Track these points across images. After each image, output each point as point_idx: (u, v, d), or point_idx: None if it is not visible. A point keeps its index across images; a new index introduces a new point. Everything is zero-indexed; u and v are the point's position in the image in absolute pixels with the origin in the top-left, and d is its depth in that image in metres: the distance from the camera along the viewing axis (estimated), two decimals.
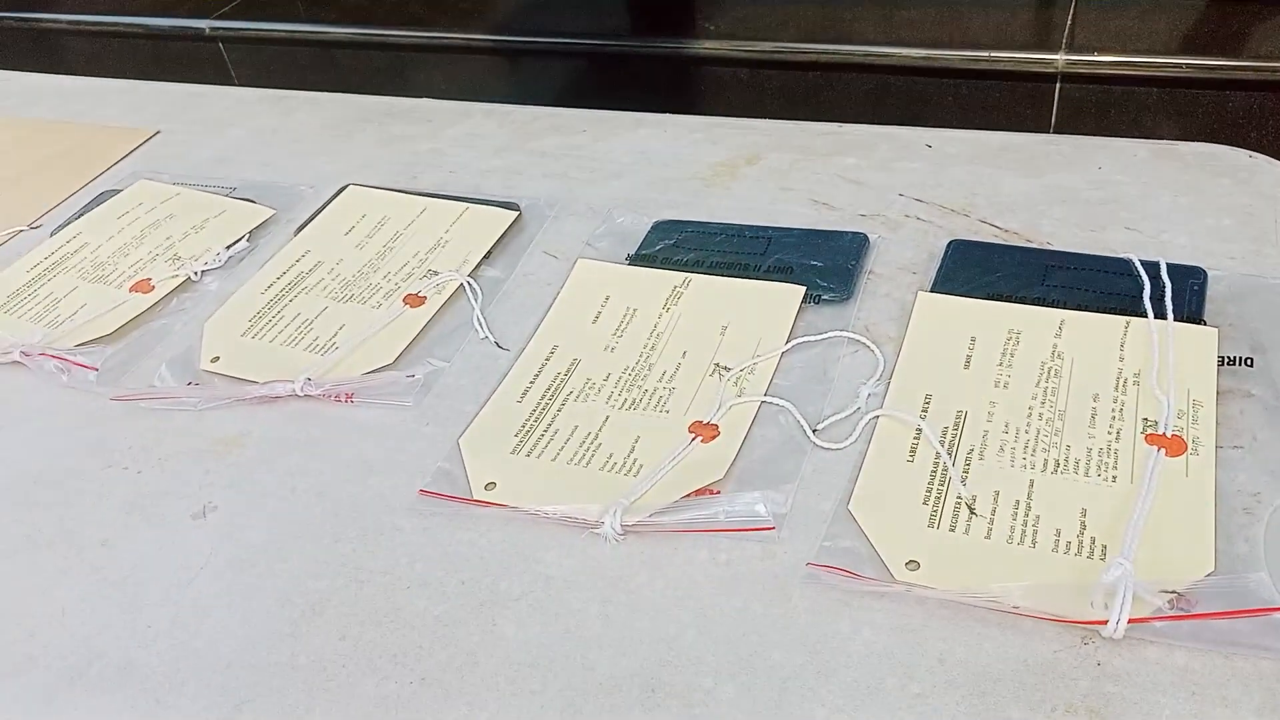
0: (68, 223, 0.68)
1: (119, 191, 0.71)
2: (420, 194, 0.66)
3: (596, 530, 0.42)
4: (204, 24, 1.94)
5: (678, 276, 0.55)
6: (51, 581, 0.44)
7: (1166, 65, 1.30)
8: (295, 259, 0.62)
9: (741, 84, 1.59)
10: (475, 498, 0.45)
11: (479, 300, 0.56)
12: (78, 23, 2.10)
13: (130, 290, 0.61)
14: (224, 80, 2.04)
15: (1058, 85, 1.36)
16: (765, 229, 0.57)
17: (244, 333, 0.56)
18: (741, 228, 0.58)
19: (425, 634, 0.40)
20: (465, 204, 0.64)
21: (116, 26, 2.03)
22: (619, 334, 0.53)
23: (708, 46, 1.57)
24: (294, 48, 1.91)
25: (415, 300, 0.57)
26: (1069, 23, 1.42)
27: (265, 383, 0.52)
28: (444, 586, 0.42)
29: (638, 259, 0.57)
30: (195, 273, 0.62)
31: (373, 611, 0.41)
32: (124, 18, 2.00)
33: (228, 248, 0.63)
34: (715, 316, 0.52)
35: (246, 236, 0.64)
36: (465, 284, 0.57)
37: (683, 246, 0.57)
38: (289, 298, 0.58)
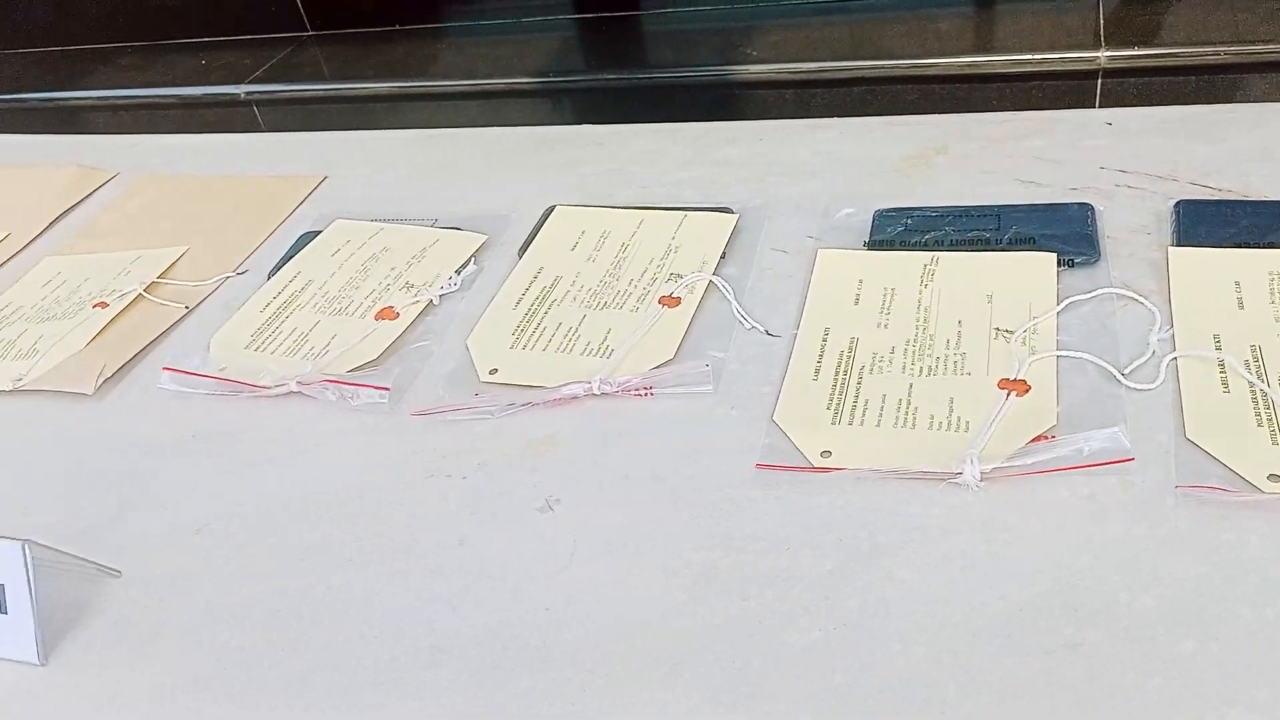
0: (280, 265, 0.70)
1: (318, 232, 0.73)
2: (628, 208, 0.69)
3: (955, 480, 0.45)
4: (239, 89, 1.97)
5: (925, 255, 0.59)
6: (426, 581, 0.46)
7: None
8: (532, 275, 0.64)
9: (787, 103, 1.64)
10: (815, 465, 0.48)
11: (733, 295, 0.59)
12: (107, 98, 2.12)
13: (376, 318, 0.63)
14: None
15: (1099, 82, 1.43)
16: (989, 208, 0.61)
17: (511, 345, 0.59)
18: (966, 208, 0.62)
19: (825, 588, 0.42)
20: (681, 212, 0.67)
21: (150, 99, 2.05)
22: (885, 312, 0.56)
23: (752, 71, 1.63)
24: (329, 105, 1.94)
25: (671, 301, 0.60)
26: (1100, 20, 1.50)
27: (558, 386, 0.55)
28: (821, 545, 0.44)
29: (875, 244, 0.61)
30: (436, 297, 0.64)
31: (762, 572, 0.43)
32: (158, 90, 2.02)
33: (458, 272, 0.66)
34: (976, 287, 0.56)
35: (473, 260, 0.67)
36: (716, 282, 0.60)
37: (914, 230, 0.61)
38: (543, 310, 0.61)
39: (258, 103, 2.01)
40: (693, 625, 0.42)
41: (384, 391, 0.56)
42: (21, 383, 0.63)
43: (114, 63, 2.29)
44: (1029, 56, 1.42)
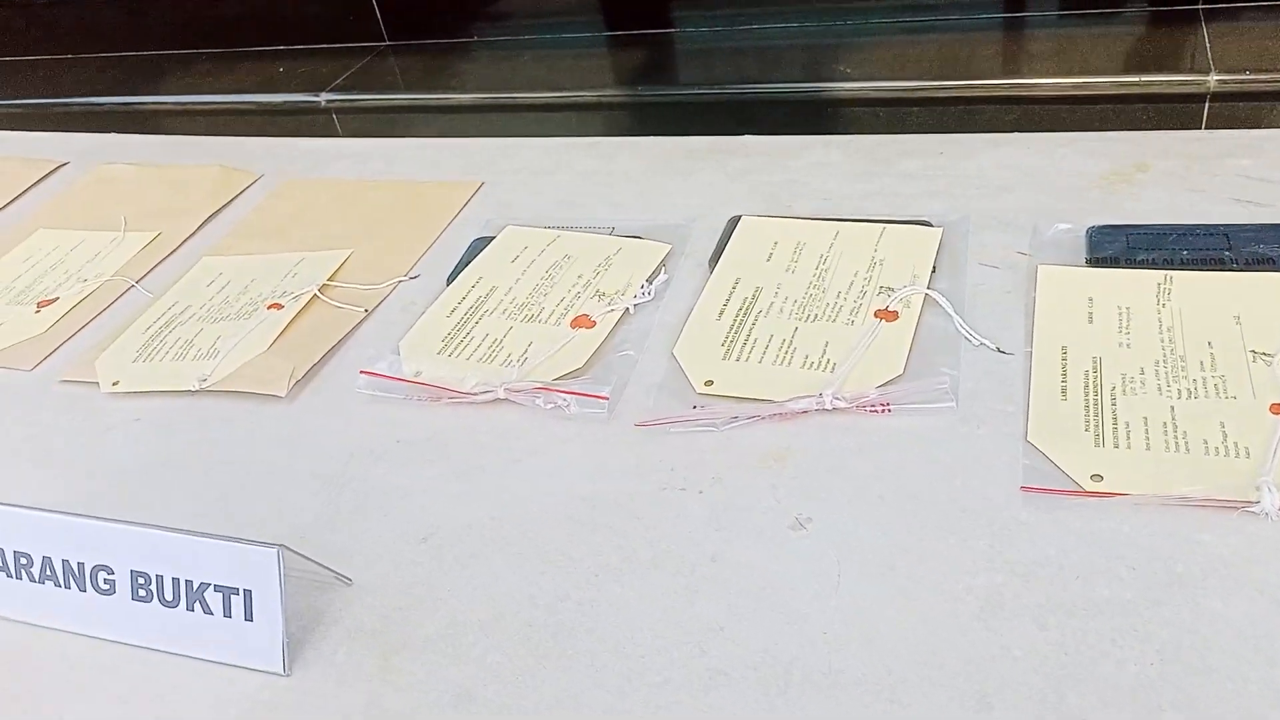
0: (458, 270, 0.69)
1: (489, 238, 0.72)
2: (820, 219, 0.68)
3: (1250, 509, 0.43)
4: (319, 97, 1.97)
5: (1157, 274, 0.57)
6: (684, 599, 0.44)
7: None
8: (730, 286, 0.63)
9: (880, 121, 1.63)
10: (1086, 489, 0.46)
11: (952, 310, 0.58)
12: (184, 103, 2.13)
13: (572, 326, 0.62)
14: None
15: (1206, 105, 1.41)
16: (1214, 227, 0.59)
17: (723, 356, 0.57)
18: (1189, 227, 0.60)
19: (1130, 618, 0.40)
20: (879, 225, 0.66)
21: (228, 105, 2.06)
22: (1124, 331, 0.54)
23: (846, 89, 1.62)
24: (409, 114, 1.94)
25: (888, 315, 0.58)
26: (1207, 43, 1.48)
27: (789, 400, 0.53)
28: (1115, 573, 0.42)
29: (1097, 261, 0.59)
30: (631, 306, 0.63)
31: (1056, 600, 0.41)
32: (235, 96, 2.03)
33: (649, 281, 0.65)
34: (1220, 308, 0.54)
35: (663, 270, 0.66)
36: (934, 297, 0.59)
37: (1137, 248, 0.59)
38: (749, 321, 0.59)
39: (337, 110, 2.01)
40: (992, 654, 0.40)
41: (603, 401, 0.55)
42: (208, 383, 0.62)
43: (189, 69, 2.30)
44: (1139, 79, 1.41)
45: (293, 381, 0.61)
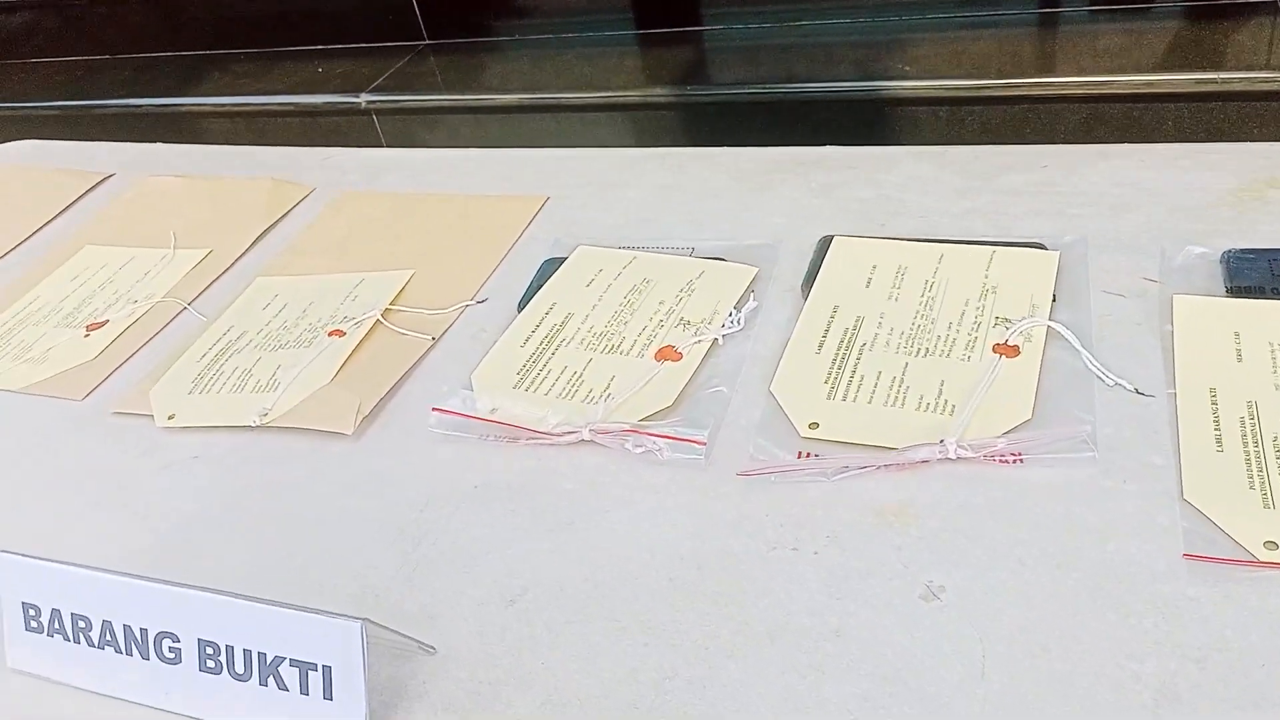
0: (529, 295, 0.65)
1: (561, 259, 0.68)
2: (920, 240, 0.63)
3: None
4: (359, 99, 1.94)
5: None
6: (811, 681, 0.39)
7: None
8: (829, 314, 0.58)
9: (940, 121, 1.58)
10: (1263, 559, 0.41)
11: (1079, 345, 0.53)
12: (223, 105, 2.11)
13: (656, 359, 0.58)
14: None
15: None
16: None
17: (827, 395, 0.53)
18: None
19: None
20: (988, 247, 0.61)
21: (267, 107, 2.04)
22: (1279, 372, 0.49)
23: (906, 87, 1.56)
24: (450, 115, 1.91)
25: (1008, 350, 0.53)
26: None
27: (907, 448, 0.49)
28: None
29: (1238, 291, 0.54)
30: (720, 336, 0.59)
31: (1242, 693, 0.36)
32: (275, 98, 2.01)
33: (737, 308, 0.61)
34: None
35: (751, 296, 0.62)
36: (1057, 330, 0.54)
37: None
38: (852, 355, 0.54)
39: (378, 112, 1.99)
40: None
41: (700, 446, 0.51)
42: (269, 418, 0.59)
43: (227, 70, 2.29)
44: (1218, 75, 1.34)
45: (359, 418, 0.57)
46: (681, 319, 0.60)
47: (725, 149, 0.78)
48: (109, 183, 0.91)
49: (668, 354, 0.58)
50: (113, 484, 0.57)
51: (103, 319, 0.72)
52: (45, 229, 0.86)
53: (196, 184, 0.87)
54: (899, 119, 1.60)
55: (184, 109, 2.16)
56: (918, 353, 0.54)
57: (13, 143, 1.03)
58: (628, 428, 0.52)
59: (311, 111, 2.03)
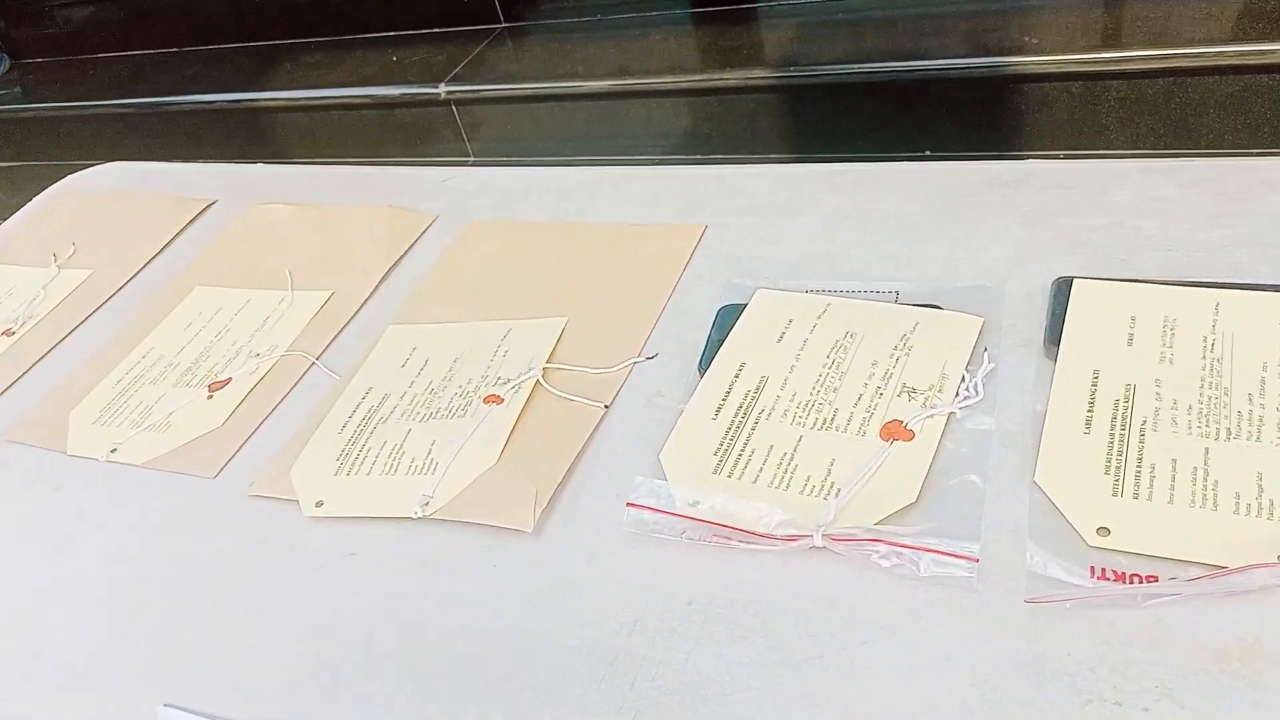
0: (711, 353, 0.56)
1: (738, 306, 0.60)
2: (1182, 283, 0.54)
3: None
4: (439, 89, 1.87)
5: None
6: None
7: None
8: (1088, 381, 0.48)
9: (1075, 99, 1.45)
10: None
11: None
12: (298, 99, 2.06)
13: (883, 437, 0.50)
14: (458, 142, 1.98)
15: None
16: None
17: (1113, 490, 0.44)
18: None
19: None
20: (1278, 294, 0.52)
21: (342, 100, 1.97)
22: None
23: (1034, 61, 1.44)
24: (533, 104, 1.82)
25: None
26: None
27: (1242, 568, 0.40)
28: None
29: None
30: (956, 409, 0.51)
31: None
32: (351, 90, 1.94)
33: (969, 371, 0.52)
34: None
35: (985, 355, 0.53)
36: None
37: None
38: (1134, 435, 0.45)
39: (457, 102, 1.91)
40: None
41: (971, 564, 0.43)
42: (432, 508, 0.52)
43: (298, 60, 2.22)
44: None
45: (538, 510, 0.51)
46: (903, 385, 0.51)
47: (909, 163, 0.69)
48: (211, 211, 0.85)
49: (895, 431, 0.49)
50: (257, 583, 0.50)
51: (224, 376, 0.65)
52: (150, 265, 0.80)
53: (308, 214, 0.80)
54: (1025, 98, 1.48)
55: (257, 104, 2.10)
56: (1217, 434, 0.45)
57: (99, 166, 0.97)
58: (870, 534, 0.44)
59: (389, 103, 1.96)
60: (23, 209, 0.94)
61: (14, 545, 0.57)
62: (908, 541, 0.43)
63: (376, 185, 0.83)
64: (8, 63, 2.45)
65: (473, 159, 1.85)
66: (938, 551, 0.42)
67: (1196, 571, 0.40)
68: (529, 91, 1.75)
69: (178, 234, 0.82)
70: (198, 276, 0.76)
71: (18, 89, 2.40)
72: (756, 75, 1.57)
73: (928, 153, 1.55)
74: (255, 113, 2.04)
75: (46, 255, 0.84)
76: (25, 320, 0.76)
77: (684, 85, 1.60)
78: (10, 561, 0.56)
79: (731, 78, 1.58)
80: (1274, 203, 0.57)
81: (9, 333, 0.75)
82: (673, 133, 1.59)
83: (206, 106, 2.12)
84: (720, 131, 1.56)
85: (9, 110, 2.33)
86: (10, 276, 0.83)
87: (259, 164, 0.90)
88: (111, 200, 0.91)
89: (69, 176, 0.97)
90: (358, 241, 0.75)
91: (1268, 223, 0.56)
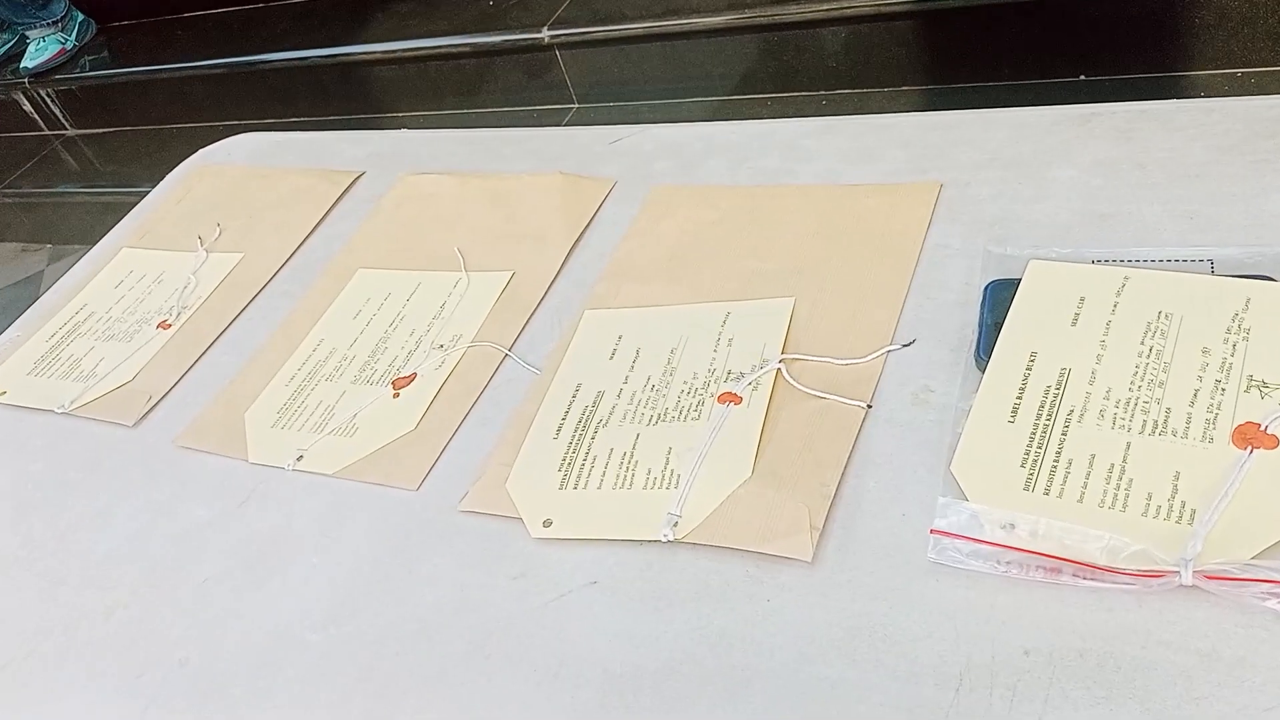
0: (988, 336, 0.47)
1: (1011, 281, 0.49)
2: None
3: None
4: (542, 34, 1.79)
5: None
6: None
7: None
8: None
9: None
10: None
11: None
12: (393, 52, 1.99)
13: (1237, 443, 0.41)
14: (561, 88, 1.90)
15: None
16: None
17: None
18: None
19: None
20: None
21: (441, 49, 1.91)
22: None
23: None
24: (644, 44, 1.72)
25: None
26: None
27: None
28: None
29: None
30: None
31: None
32: (449, 39, 1.87)
33: None
34: None
35: None
36: None
37: None
38: None
39: (560, 46, 1.82)
40: None
41: None
42: (682, 529, 0.44)
43: (389, 10, 2.16)
44: None
45: (816, 535, 0.44)
46: (1249, 378, 0.43)
47: (1177, 103, 0.59)
48: (361, 183, 0.79)
49: (1253, 436, 0.41)
50: (484, 618, 0.45)
51: (408, 371, 0.59)
52: (304, 246, 0.75)
53: (470, 183, 0.73)
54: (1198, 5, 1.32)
55: (351, 58, 2.04)
56: None
57: (234, 137, 0.92)
58: (1251, 570, 0.37)
59: (489, 51, 1.88)
60: (158, 187, 0.89)
61: (213, 562, 0.52)
62: None
63: (537, 149, 0.76)
64: (94, 27, 2.43)
65: (577, 105, 1.77)
66: None
67: None
68: (638, 31, 1.65)
69: (329, 210, 0.76)
70: (358, 258, 0.70)
71: (105, 53, 2.39)
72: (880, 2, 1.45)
73: (1082, 78, 1.42)
74: (349, 68, 1.99)
75: (191, 237, 0.79)
76: (180, 311, 0.71)
77: (802, 16, 1.48)
78: (218, 580, 0.51)
79: (857, 4, 1.46)
80: None
81: (165, 325, 0.71)
82: (799, 69, 1.48)
83: (299, 63, 2.07)
84: (847, 64, 1.44)
85: (101, 76, 2.33)
86: (157, 262, 0.78)
87: (403, 129, 0.85)
88: (252, 175, 0.85)
89: (202, 150, 0.91)
90: (532, 213, 0.68)
91: None
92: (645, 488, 0.47)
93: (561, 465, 0.49)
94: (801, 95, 1.49)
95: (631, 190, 0.68)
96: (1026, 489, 0.41)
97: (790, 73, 1.48)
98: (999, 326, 0.48)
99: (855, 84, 1.46)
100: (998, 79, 1.38)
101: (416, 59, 1.88)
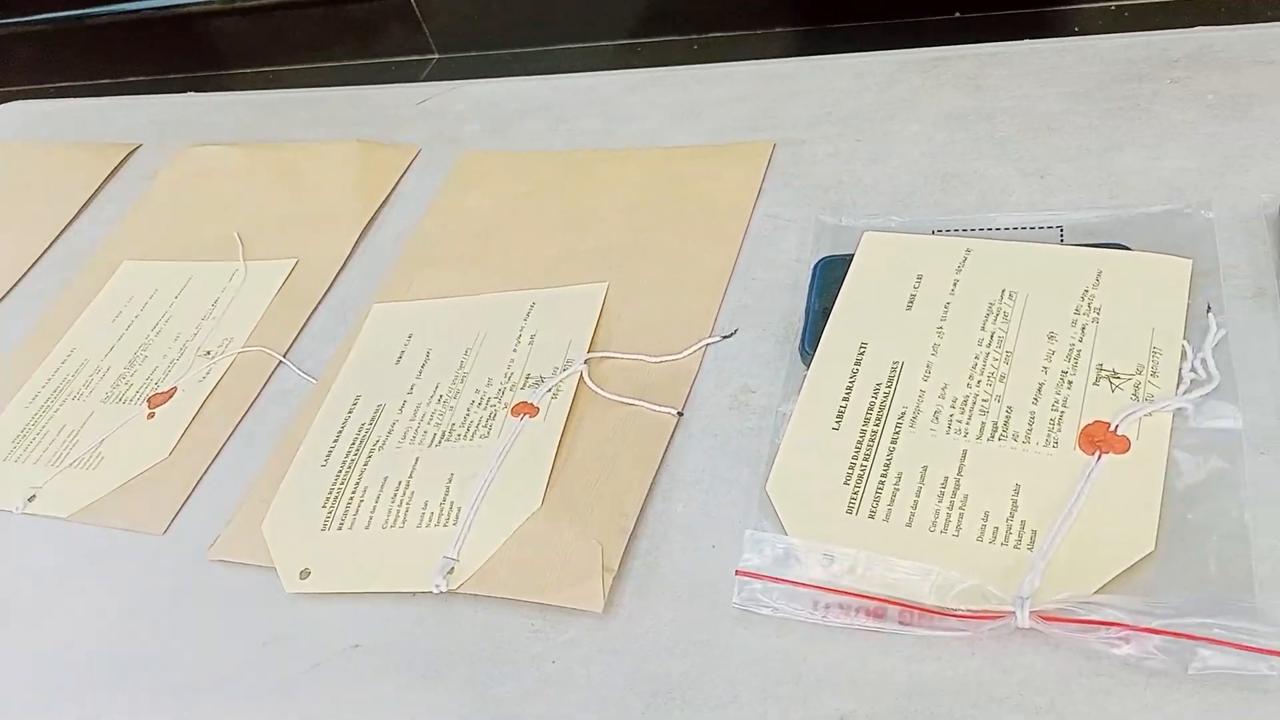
0: (814, 325, 0.40)
1: (843, 258, 0.43)
2: None
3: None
4: None
5: None
6: None
7: None
8: None
9: None
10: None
11: None
12: (231, 2, 1.81)
13: (1083, 448, 0.34)
14: (418, 37, 1.75)
15: None
16: None
17: None
18: None
19: None
20: None
21: None
22: None
23: None
24: None
25: None
26: None
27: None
28: None
29: None
30: (1186, 402, 0.37)
31: None
32: None
33: (1188, 340, 0.38)
34: None
35: (1210, 316, 0.39)
36: None
37: None
38: None
39: None
40: None
41: (1272, 659, 0.29)
42: (459, 578, 0.36)
43: None
44: None
45: (609, 579, 0.37)
46: (1099, 367, 0.37)
47: (1035, 43, 0.53)
48: (137, 157, 0.68)
49: (1101, 438, 0.36)
50: (225, 693, 0.37)
51: (167, 386, 0.50)
52: (65, 235, 0.64)
53: (257, 156, 0.63)
54: None
55: (183, 10, 1.85)
56: None
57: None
58: (1097, 610, 0.32)
59: None
60: None
61: None
62: (1163, 625, 0.30)
63: (338, 113, 0.66)
64: None
65: (437, 56, 1.65)
66: (1214, 640, 0.29)
67: None
68: None
69: (96, 191, 0.66)
70: (124, 248, 0.60)
71: None
72: None
73: (957, 14, 1.38)
74: (183, 20, 1.81)
75: None
76: None
77: None
78: None
79: None
80: None
81: None
82: (668, 12, 1.39)
83: (127, 17, 1.88)
84: (717, 6, 1.36)
85: None
86: None
87: (189, 92, 0.74)
88: (11, 153, 0.74)
89: None
90: (322, 190, 0.59)
91: None
92: (420, 526, 0.39)
93: (327, 500, 0.42)
94: (671, 40, 1.41)
95: (438, 158, 0.59)
96: (850, 512, 0.35)
97: (661, 16, 1.39)
98: (828, 313, 0.42)
99: (727, 26, 1.39)
100: (874, 17, 1.33)
101: (259, 9, 1.72)
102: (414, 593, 0.38)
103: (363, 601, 0.38)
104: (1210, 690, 0.29)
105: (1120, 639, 0.29)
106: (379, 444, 0.43)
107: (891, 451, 0.36)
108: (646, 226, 0.50)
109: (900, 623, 0.32)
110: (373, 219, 0.56)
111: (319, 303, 0.52)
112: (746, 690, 0.32)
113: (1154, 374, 0.36)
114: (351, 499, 0.41)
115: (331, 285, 0.53)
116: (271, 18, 1.66)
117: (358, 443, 0.43)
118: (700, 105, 0.56)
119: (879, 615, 0.33)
